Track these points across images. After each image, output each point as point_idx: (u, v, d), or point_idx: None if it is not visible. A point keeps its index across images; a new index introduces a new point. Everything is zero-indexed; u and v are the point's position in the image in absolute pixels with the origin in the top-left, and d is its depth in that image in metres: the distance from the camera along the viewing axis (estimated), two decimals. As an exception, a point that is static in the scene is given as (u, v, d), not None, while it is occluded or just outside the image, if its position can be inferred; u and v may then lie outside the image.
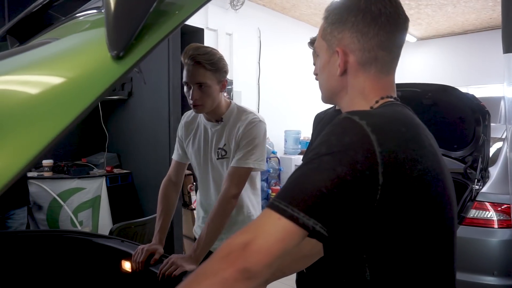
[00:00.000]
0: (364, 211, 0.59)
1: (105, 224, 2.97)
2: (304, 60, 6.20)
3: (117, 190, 3.10)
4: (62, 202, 2.79)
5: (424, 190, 0.61)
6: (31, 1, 0.95)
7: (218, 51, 1.41)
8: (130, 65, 0.53)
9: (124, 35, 0.53)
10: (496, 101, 4.13)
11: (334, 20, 0.73)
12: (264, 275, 0.56)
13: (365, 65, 0.71)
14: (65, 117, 0.46)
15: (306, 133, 5.94)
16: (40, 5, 0.94)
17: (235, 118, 1.46)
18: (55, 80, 0.53)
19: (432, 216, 0.63)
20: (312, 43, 1.38)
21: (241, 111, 1.47)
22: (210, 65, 1.34)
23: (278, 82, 5.51)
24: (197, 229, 1.82)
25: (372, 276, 0.63)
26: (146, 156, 3.03)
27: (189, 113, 1.61)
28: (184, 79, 1.38)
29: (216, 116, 1.46)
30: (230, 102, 1.51)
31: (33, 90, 0.52)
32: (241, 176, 1.38)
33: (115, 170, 3.16)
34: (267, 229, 0.56)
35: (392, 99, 0.72)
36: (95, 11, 0.76)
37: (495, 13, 5.82)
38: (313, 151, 0.61)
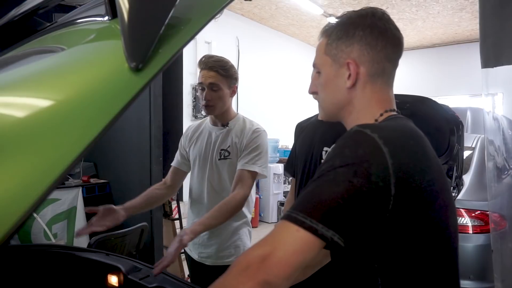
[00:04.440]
0: (377, 221, 0.60)
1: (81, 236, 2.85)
2: (281, 69, 6.29)
3: (94, 200, 2.97)
4: (34, 214, 2.65)
5: (432, 200, 0.64)
6: (13, 6, 0.91)
7: (229, 60, 1.56)
8: (149, 77, 0.52)
9: (143, 46, 0.52)
10: (462, 111, 4.34)
11: (340, 36, 0.76)
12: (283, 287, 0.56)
13: (374, 76, 0.75)
14: (88, 134, 0.43)
15: (284, 141, 6.00)
16: (25, 12, 0.90)
17: (241, 126, 1.59)
18: (72, 92, 0.50)
19: (439, 224, 0.66)
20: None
21: (247, 121, 1.62)
22: (223, 71, 1.50)
23: (256, 91, 5.55)
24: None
25: (383, 285, 0.65)
26: (125, 165, 2.94)
27: (192, 125, 1.76)
28: (198, 81, 1.53)
29: (223, 120, 1.59)
30: (238, 113, 1.66)
31: (50, 105, 0.48)
32: (249, 179, 1.49)
33: (92, 180, 3.04)
34: (286, 241, 0.57)
35: (394, 113, 0.75)
36: (99, 19, 0.74)
37: (460, 29, 6.17)
38: (327, 164, 0.62)
